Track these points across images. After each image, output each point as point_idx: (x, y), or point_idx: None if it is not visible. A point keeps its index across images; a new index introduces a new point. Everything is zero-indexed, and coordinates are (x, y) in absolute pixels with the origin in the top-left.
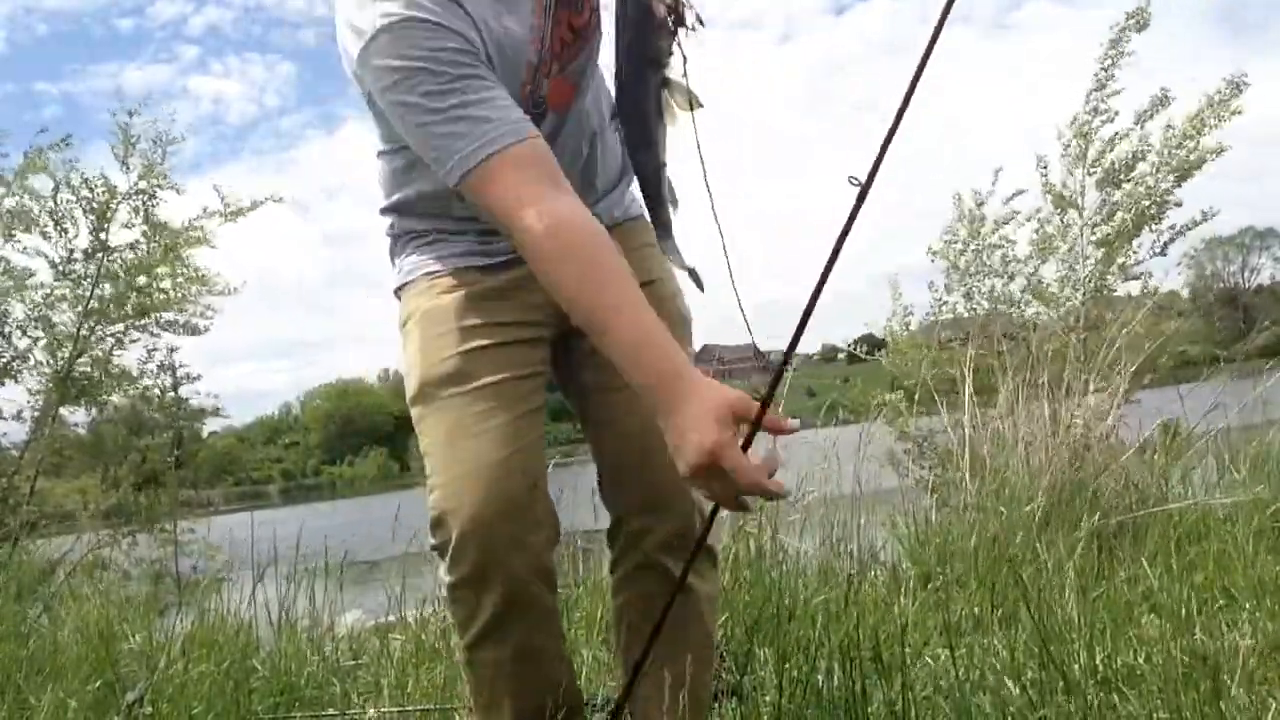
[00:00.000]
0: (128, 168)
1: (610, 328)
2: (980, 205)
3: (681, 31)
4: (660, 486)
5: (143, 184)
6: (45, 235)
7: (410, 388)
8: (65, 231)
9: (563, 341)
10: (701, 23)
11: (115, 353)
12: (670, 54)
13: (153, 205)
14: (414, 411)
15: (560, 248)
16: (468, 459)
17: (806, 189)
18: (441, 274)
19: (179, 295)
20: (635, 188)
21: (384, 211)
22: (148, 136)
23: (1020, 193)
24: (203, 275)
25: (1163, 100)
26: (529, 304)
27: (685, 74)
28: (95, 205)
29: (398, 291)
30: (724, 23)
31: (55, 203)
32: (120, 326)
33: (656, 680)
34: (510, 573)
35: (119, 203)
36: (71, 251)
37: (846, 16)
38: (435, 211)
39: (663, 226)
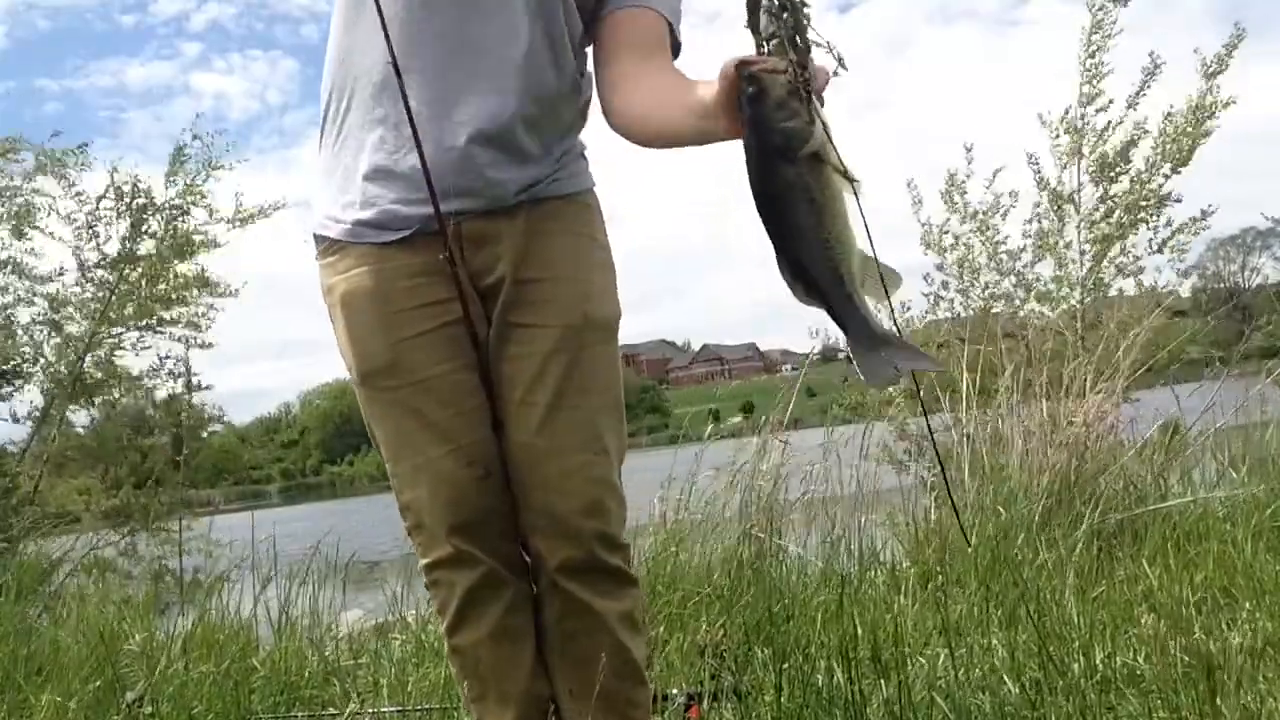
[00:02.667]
0: (172, 183)
1: None
2: (963, 192)
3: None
4: (550, 511)
5: (178, 200)
6: (79, 236)
7: (349, 373)
8: (97, 235)
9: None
10: (844, 66)
11: (118, 353)
12: (804, 134)
13: (183, 220)
14: (358, 395)
15: None
16: (411, 454)
17: None
18: (347, 245)
19: (180, 296)
20: (582, 161)
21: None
22: (200, 159)
23: (1002, 169)
24: (206, 277)
25: (1154, 69)
26: (450, 278)
27: (833, 148)
28: (132, 213)
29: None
30: (728, 18)
31: (98, 206)
32: (124, 329)
33: (577, 709)
34: (474, 559)
35: (153, 214)
36: (105, 256)
37: (851, 14)
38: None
39: (870, 338)
